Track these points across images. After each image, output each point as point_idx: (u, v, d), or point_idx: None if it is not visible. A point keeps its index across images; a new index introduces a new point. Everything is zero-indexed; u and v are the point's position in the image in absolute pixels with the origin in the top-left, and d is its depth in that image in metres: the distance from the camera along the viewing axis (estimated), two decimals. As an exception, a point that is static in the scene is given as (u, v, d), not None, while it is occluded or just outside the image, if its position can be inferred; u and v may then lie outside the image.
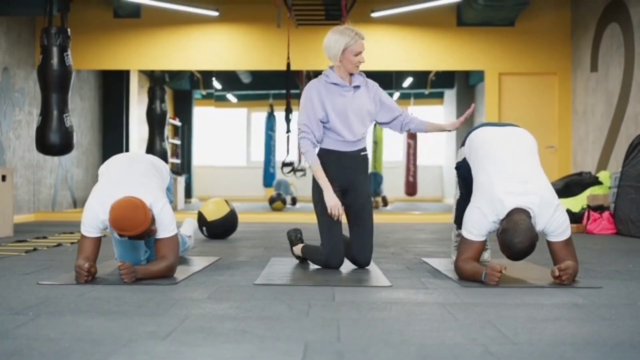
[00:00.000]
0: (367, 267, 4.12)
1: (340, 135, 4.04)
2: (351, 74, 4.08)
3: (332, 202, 3.94)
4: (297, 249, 4.36)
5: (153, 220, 3.51)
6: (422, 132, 4.29)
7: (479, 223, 3.53)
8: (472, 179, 3.78)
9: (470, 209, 3.60)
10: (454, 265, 3.73)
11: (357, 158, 4.14)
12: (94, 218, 3.55)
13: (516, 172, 3.58)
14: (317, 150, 4.05)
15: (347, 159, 4.09)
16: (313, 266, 4.19)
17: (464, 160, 3.97)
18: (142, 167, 3.84)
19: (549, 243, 3.59)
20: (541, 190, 3.51)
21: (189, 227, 4.91)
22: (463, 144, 4.04)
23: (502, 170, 3.60)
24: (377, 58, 9.66)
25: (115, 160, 3.96)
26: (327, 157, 4.05)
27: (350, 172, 4.10)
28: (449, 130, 4.24)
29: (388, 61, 10.04)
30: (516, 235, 3.32)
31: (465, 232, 3.60)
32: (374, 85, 4.19)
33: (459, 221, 4.24)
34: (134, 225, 3.40)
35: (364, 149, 4.18)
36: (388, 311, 2.79)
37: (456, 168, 4.17)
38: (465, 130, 4.19)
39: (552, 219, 3.49)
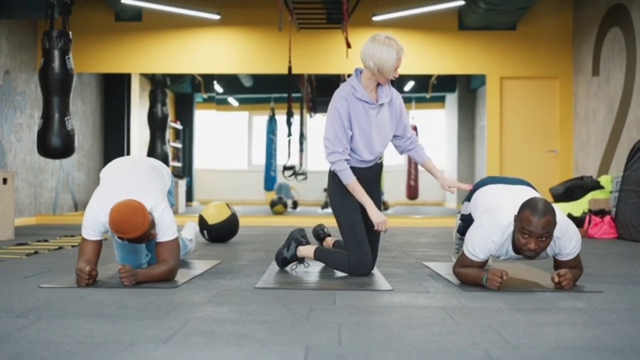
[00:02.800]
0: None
1: (360, 156, 3.94)
2: (377, 85, 3.92)
3: (380, 218, 3.86)
4: (306, 250, 4.16)
5: (153, 224, 3.51)
6: (418, 162, 4.18)
7: (482, 245, 3.47)
8: None
9: (475, 228, 3.55)
10: (453, 271, 3.71)
11: (374, 168, 4.06)
12: (94, 221, 3.55)
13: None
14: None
15: (366, 172, 4.01)
16: (313, 270, 4.18)
17: (469, 215, 3.94)
18: (143, 171, 3.84)
19: (556, 260, 3.58)
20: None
21: (190, 231, 4.91)
22: (468, 199, 3.99)
23: (508, 202, 3.55)
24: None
25: (117, 163, 3.97)
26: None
27: (367, 183, 4.03)
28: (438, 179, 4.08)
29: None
30: (533, 203, 3.28)
31: (467, 252, 3.55)
32: (397, 98, 4.02)
33: (461, 230, 4.25)
34: (132, 228, 3.39)
35: (380, 157, 4.08)
36: (389, 315, 2.79)
37: (462, 219, 4.14)
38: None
39: (564, 238, 3.44)
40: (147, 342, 2.26)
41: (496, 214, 3.47)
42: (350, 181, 3.85)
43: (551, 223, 3.28)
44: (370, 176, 4.05)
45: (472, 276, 3.50)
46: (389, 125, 3.98)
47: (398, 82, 14.72)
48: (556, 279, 3.42)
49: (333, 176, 4.00)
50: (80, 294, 3.21)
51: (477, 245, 3.48)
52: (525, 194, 3.67)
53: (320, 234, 4.58)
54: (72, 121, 7.49)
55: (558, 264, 3.57)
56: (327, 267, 4.24)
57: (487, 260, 3.59)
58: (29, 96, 9.30)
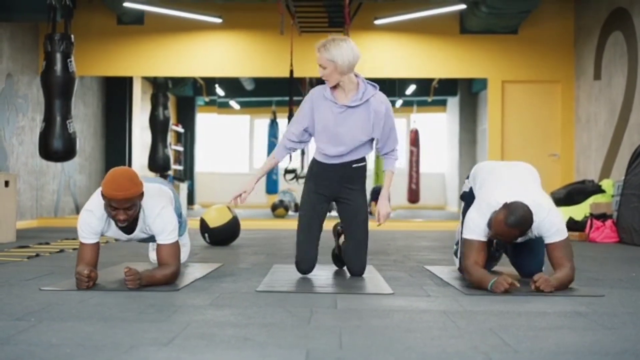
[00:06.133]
0: (367, 275, 4.10)
1: (323, 149, 4.03)
2: (358, 88, 3.96)
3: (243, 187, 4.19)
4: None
5: (140, 205, 3.56)
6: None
7: (478, 221, 3.58)
8: None
9: (469, 211, 3.69)
10: (463, 266, 3.72)
11: (347, 169, 4.05)
12: (88, 222, 3.58)
13: (518, 187, 3.69)
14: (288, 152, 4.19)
15: (335, 171, 4.05)
16: (314, 273, 4.17)
17: (470, 190, 4.05)
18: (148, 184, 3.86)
19: (545, 245, 3.64)
20: (539, 197, 3.62)
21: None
22: (468, 177, 4.14)
23: (503, 184, 3.72)
24: (380, 65, 9.67)
25: None
26: (316, 168, 4.10)
27: (337, 184, 4.06)
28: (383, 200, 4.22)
29: (391, 69, 10.04)
30: (512, 210, 3.43)
31: (466, 232, 3.65)
32: (379, 105, 3.97)
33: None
34: (120, 188, 3.41)
35: (358, 161, 4.06)
36: (390, 319, 2.78)
37: (461, 197, 4.20)
38: (470, 160, 4.23)
39: (546, 219, 3.55)
40: (148, 345, 2.26)
41: (490, 199, 3.61)
42: (268, 159, 4.24)
43: (523, 231, 3.49)
44: (342, 176, 4.06)
45: (479, 278, 3.51)
46: (361, 127, 3.98)
47: (400, 86, 14.79)
48: (532, 287, 3.46)
49: (309, 170, 4.15)
50: (81, 297, 3.21)
51: (472, 222, 3.60)
52: (520, 169, 3.91)
53: (339, 230, 4.59)
54: (74, 124, 7.49)
55: (548, 250, 3.63)
56: (328, 271, 4.26)
57: (490, 243, 3.69)
58: (31, 99, 9.31)
